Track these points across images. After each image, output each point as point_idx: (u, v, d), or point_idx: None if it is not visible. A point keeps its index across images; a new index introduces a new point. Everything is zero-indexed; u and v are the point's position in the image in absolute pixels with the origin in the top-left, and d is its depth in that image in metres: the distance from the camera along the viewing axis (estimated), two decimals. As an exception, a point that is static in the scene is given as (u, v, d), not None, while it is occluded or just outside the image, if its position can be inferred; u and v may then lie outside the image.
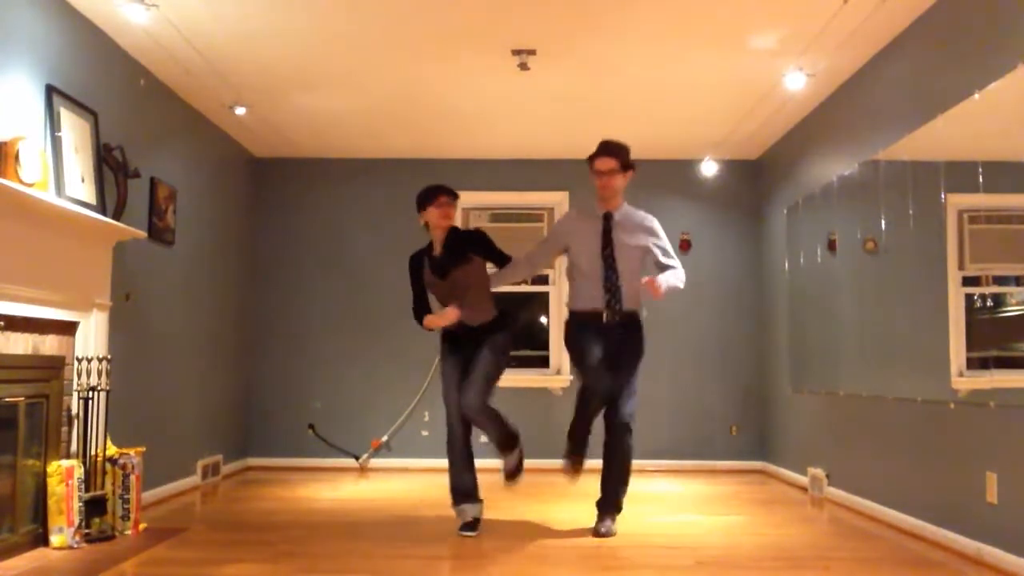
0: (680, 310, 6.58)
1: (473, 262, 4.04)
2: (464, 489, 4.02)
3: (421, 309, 4.09)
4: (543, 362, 6.65)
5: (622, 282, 4.00)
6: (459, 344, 4.07)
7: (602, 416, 4.04)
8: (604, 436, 4.06)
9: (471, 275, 4.03)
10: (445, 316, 3.96)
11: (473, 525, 3.95)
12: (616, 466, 4.06)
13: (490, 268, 4.18)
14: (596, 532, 3.96)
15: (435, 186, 4.08)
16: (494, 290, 4.16)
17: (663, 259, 4.09)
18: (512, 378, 6.55)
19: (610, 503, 4.07)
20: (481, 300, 4.05)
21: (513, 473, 4.12)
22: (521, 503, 4.79)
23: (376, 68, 4.81)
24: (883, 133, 4.35)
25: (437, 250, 4.07)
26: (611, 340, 4.00)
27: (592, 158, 4.08)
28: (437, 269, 4.04)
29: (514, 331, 4.16)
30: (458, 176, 6.65)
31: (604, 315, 3.99)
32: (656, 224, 4.13)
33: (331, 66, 4.79)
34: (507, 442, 4.05)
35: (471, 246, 4.07)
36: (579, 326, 4.12)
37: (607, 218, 4.06)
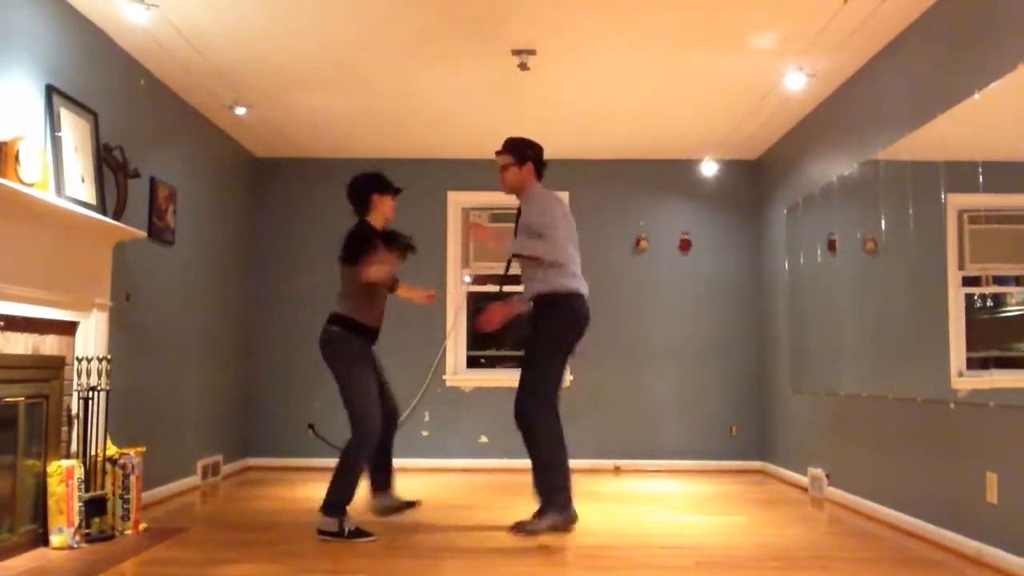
0: (680, 310, 6.59)
1: None
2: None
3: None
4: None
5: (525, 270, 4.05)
6: (371, 342, 4.28)
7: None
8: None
9: None
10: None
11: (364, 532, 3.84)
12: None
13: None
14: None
15: (384, 178, 4.12)
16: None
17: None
18: (511, 378, 6.60)
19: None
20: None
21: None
22: (520, 503, 4.78)
23: (376, 68, 4.81)
24: (883, 133, 4.35)
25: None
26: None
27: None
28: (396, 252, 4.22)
29: None
30: (458, 176, 6.72)
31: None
32: (534, 202, 4.01)
33: (331, 66, 4.79)
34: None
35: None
36: None
37: (518, 211, 4.15)
